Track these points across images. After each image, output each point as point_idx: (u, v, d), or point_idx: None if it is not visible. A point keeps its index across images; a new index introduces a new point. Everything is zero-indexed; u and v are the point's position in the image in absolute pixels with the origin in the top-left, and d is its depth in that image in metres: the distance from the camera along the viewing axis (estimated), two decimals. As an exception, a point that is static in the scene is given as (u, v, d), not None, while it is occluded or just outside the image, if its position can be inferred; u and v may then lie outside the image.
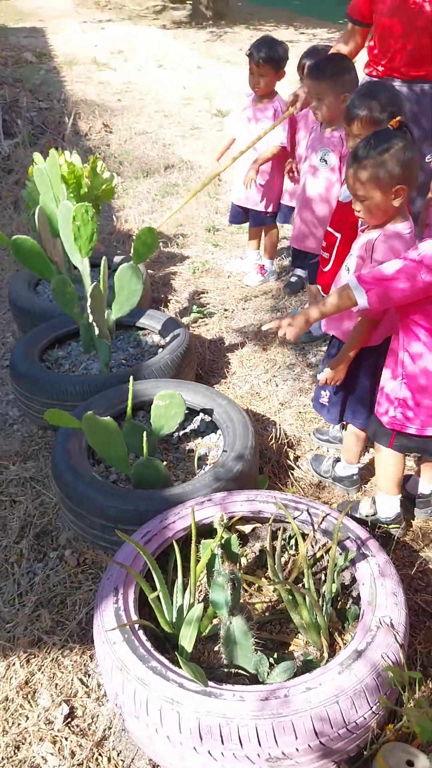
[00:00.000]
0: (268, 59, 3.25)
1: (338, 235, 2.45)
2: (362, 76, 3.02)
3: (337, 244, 2.45)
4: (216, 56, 9.31)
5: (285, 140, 3.37)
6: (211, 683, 1.49)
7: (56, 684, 1.77)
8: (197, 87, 7.80)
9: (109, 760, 1.60)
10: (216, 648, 1.74)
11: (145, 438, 2.15)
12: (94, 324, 2.56)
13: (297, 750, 1.41)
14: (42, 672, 1.79)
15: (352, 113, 2.24)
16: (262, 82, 3.33)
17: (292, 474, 2.51)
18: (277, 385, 3.01)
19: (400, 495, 2.23)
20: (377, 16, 2.90)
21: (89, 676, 1.79)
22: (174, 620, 1.70)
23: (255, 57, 3.28)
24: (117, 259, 3.46)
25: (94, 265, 3.12)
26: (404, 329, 1.96)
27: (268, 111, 3.39)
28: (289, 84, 6.88)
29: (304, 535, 1.90)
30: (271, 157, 3.39)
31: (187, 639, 1.64)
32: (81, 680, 1.78)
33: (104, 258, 2.69)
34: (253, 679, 1.62)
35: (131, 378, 2.30)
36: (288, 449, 2.62)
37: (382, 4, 2.85)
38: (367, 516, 2.27)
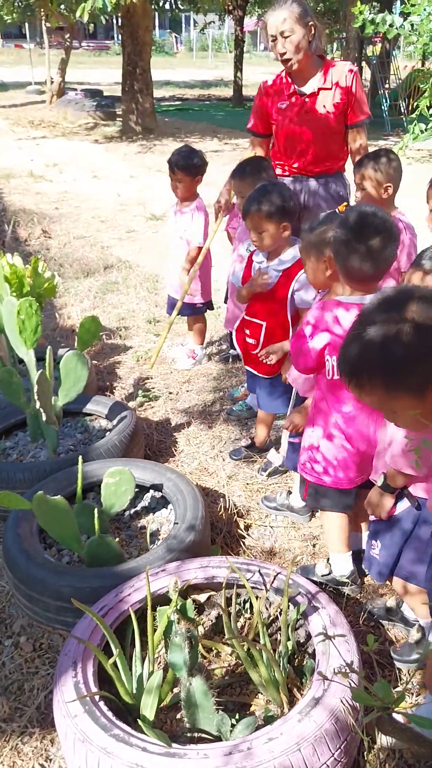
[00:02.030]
0: (182, 167, 3.59)
1: (263, 323, 2.74)
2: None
3: (263, 332, 2.75)
4: (147, 166, 9.96)
5: (202, 242, 3.69)
6: (174, 745, 1.49)
7: (16, 773, 1.72)
8: (131, 194, 8.29)
9: None
10: (178, 716, 1.74)
11: (96, 516, 2.19)
12: (42, 410, 2.64)
13: (264, 804, 1.42)
14: (1, 761, 1.74)
15: (246, 210, 2.62)
16: (180, 187, 3.66)
17: (244, 542, 2.58)
18: (224, 460, 3.11)
19: (350, 552, 2.32)
20: (281, 126, 3.30)
21: (50, 760, 1.75)
22: (134, 690, 1.71)
23: (171, 165, 3.63)
24: (61, 351, 3.58)
25: (39, 359, 3.23)
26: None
27: (191, 206, 3.70)
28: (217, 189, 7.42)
29: (258, 597, 1.96)
30: (195, 257, 3.68)
31: (149, 707, 1.65)
32: (42, 765, 1.73)
33: (49, 347, 2.81)
34: (217, 740, 1.62)
35: (80, 458, 2.37)
36: (238, 519, 2.69)
37: (285, 116, 3.26)
38: (323, 576, 2.33)
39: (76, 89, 16.51)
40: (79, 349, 2.79)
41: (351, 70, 3.19)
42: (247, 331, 2.82)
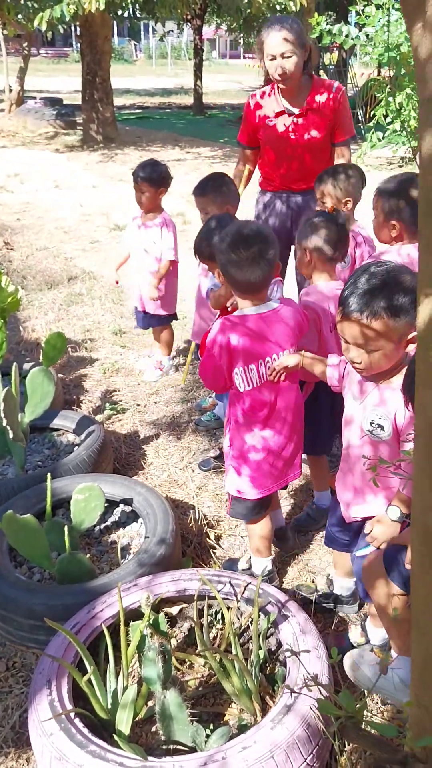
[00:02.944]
0: (145, 179, 3.62)
1: None
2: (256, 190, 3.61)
3: None
4: (109, 176, 9.95)
5: (174, 255, 3.71)
6: (150, 758, 1.52)
7: (-7, 794, 1.72)
8: (94, 204, 8.28)
9: None
10: (153, 729, 1.76)
11: (66, 533, 2.20)
12: (8, 428, 2.64)
13: None
14: (-23, 784, 1.74)
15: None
16: (144, 199, 3.69)
17: (215, 553, 2.61)
18: (193, 471, 3.14)
19: (271, 556, 2.41)
20: (268, 142, 3.40)
21: (27, 780, 1.76)
22: (109, 705, 1.73)
23: (135, 177, 3.67)
24: (27, 366, 3.57)
25: (5, 374, 3.23)
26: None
27: (157, 219, 3.73)
28: (181, 197, 7.46)
29: (229, 608, 1.99)
30: (165, 273, 3.72)
31: (124, 722, 1.67)
32: (18, 786, 1.74)
33: (14, 364, 2.80)
34: (192, 752, 1.65)
35: (48, 475, 2.38)
36: (208, 530, 2.73)
37: (273, 132, 3.35)
38: (243, 570, 2.44)
39: (35, 98, 16.38)
40: (45, 365, 2.79)
41: (338, 89, 3.27)
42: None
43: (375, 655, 1.95)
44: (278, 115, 3.35)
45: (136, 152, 11.70)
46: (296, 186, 3.44)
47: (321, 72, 17.03)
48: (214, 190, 3.01)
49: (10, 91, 16.31)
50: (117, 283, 4.18)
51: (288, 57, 3.11)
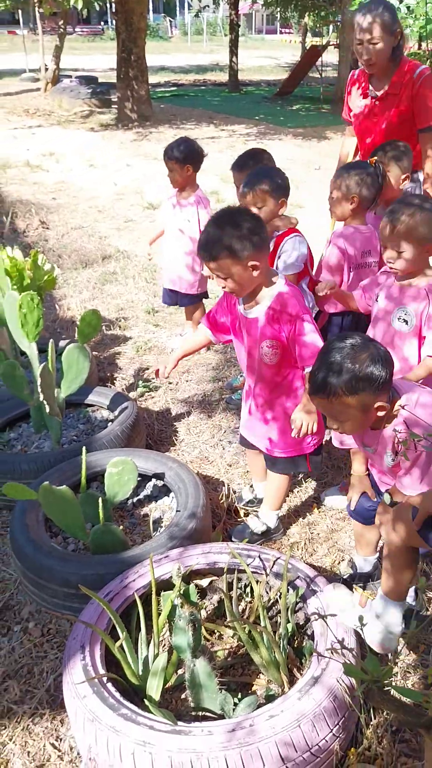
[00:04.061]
0: (173, 157, 3.60)
1: None
2: None
3: None
4: (143, 154, 9.93)
5: None
6: (180, 723, 1.56)
7: (28, 752, 1.79)
8: (128, 183, 8.29)
9: None
10: (182, 696, 1.81)
11: (100, 505, 2.25)
12: (45, 402, 2.70)
13: (266, 778, 1.49)
14: (13, 742, 1.81)
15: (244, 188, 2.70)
16: (176, 176, 3.68)
17: (244, 529, 2.64)
18: (223, 448, 3.17)
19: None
20: (355, 123, 3.40)
21: (61, 740, 1.82)
22: (140, 672, 1.78)
23: (164, 155, 3.66)
24: (62, 343, 3.62)
25: (41, 351, 3.28)
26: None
27: (191, 198, 3.71)
28: (215, 176, 7.42)
29: (258, 582, 2.02)
30: None
31: (155, 688, 1.72)
32: (53, 745, 1.81)
33: (51, 341, 2.85)
34: (221, 719, 1.69)
35: (84, 449, 2.43)
36: (238, 506, 2.76)
37: (358, 113, 3.34)
38: (250, 502, 2.75)
39: (71, 76, 16.38)
40: (80, 342, 2.83)
41: (421, 74, 3.17)
42: None
43: (359, 593, 1.97)
44: (364, 95, 3.31)
45: (170, 130, 11.64)
46: None
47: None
48: (257, 165, 2.98)
49: (46, 69, 16.34)
50: (150, 257, 4.20)
51: (375, 43, 3.07)
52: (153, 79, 16.50)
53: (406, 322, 2.29)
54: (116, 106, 13.39)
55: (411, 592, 2.14)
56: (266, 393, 2.37)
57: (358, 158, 3.60)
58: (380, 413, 1.76)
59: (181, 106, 14.92)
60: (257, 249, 2.09)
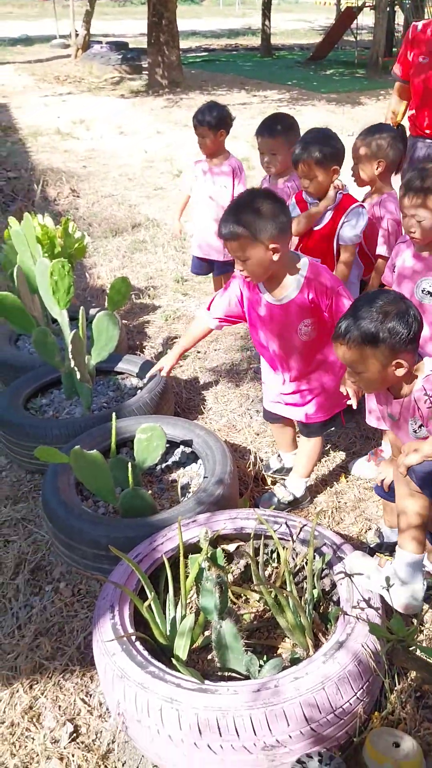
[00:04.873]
0: (202, 122, 3.52)
1: (318, 261, 2.72)
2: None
3: None
4: (174, 121, 9.81)
5: None
6: (206, 682, 1.60)
7: (59, 706, 1.85)
8: (158, 150, 8.22)
9: (114, 770, 1.68)
10: (209, 656, 1.85)
11: (130, 469, 2.28)
12: (76, 369, 2.72)
13: (290, 737, 1.52)
14: (45, 696, 1.88)
15: (296, 157, 2.61)
16: (207, 142, 3.60)
17: (271, 497, 2.65)
18: (251, 417, 3.18)
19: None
20: (417, 83, 3.20)
21: (90, 695, 1.88)
22: (168, 632, 1.81)
23: (194, 121, 3.58)
24: (93, 311, 3.64)
25: (72, 319, 3.30)
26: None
27: (224, 167, 3.64)
28: (246, 142, 7.31)
29: (284, 548, 2.04)
30: None
31: (182, 648, 1.76)
32: (83, 700, 1.86)
33: (82, 308, 2.87)
34: (246, 680, 1.72)
35: (113, 415, 2.45)
36: (265, 474, 2.77)
37: (423, 72, 3.15)
38: (278, 470, 2.75)
39: (101, 42, 16.18)
40: (110, 309, 2.85)
41: None
42: None
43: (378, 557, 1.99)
44: (431, 52, 3.13)
45: (201, 96, 11.46)
46: None
47: (395, 7, 16.12)
48: (286, 131, 2.92)
49: (77, 35, 16.16)
50: (180, 232, 4.14)
51: None
52: (184, 44, 16.22)
53: (430, 294, 2.25)
54: (147, 72, 13.22)
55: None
56: (305, 369, 2.37)
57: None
58: (398, 372, 1.75)
59: (212, 72, 14.66)
60: (279, 232, 2.05)
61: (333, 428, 2.75)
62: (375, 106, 10.59)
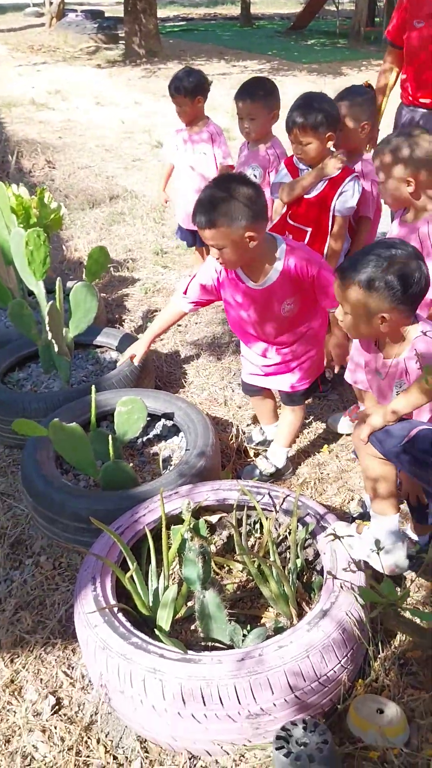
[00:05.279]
0: (179, 89, 3.43)
1: (308, 229, 2.69)
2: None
3: (308, 237, 2.69)
4: (152, 91, 9.62)
5: (229, 160, 3.52)
6: (190, 652, 1.58)
7: (41, 679, 1.83)
8: (136, 121, 8.05)
9: (98, 741, 1.67)
10: (192, 627, 1.83)
11: (110, 442, 2.25)
12: (53, 342, 2.67)
13: (274, 705, 1.51)
14: (26, 669, 1.85)
15: (290, 122, 2.52)
16: (186, 110, 3.51)
17: (254, 469, 2.64)
18: (233, 390, 3.15)
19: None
20: (411, 49, 3.09)
21: (73, 668, 1.86)
22: (151, 603, 1.80)
23: (170, 89, 3.48)
24: (70, 283, 3.57)
25: (49, 291, 3.23)
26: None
27: (203, 134, 3.56)
28: (226, 113, 7.18)
29: (267, 518, 2.02)
30: None
31: (164, 619, 1.74)
32: (65, 672, 1.85)
33: (58, 279, 2.80)
34: (230, 649, 1.71)
35: (93, 387, 2.41)
36: (248, 446, 2.75)
37: (419, 37, 3.04)
38: (260, 443, 2.71)
39: (76, 10, 15.78)
40: (88, 280, 2.78)
41: None
42: (289, 236, 2.70)
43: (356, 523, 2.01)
44: (428, 17, 3.00)
45: (179, 66, 11.09)
46: (431, 104, 3.15)
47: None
48: (266, 95, 2.84)
49: (50, 3, 15.71)
50: (166, 202, 4.06)
51: None
52: (161, 13, 15.86)
53: None
54: (123, 42, 12.92)
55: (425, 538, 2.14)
56: (288, 341, 2.34)
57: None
58: (382, 327, 1.75)
59: (190, 41, 14.39)
60: (254, 219, 1.99)
61: (313, 396, 2.73)
62: (357, 77, 10.45)
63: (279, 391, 2.53)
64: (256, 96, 2.86)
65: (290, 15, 19.02)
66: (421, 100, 3.19)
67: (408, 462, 1.72)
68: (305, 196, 2.66)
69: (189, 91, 3.43)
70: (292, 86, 9.21)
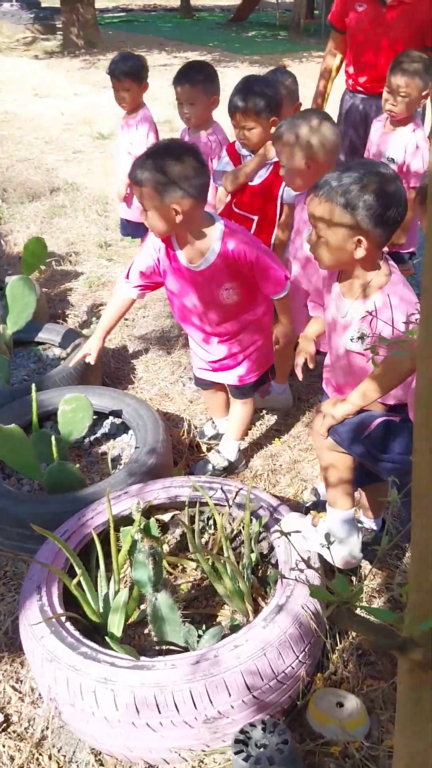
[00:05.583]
0: (128, 73, 3.30)
1: (255, 218, 2.62)
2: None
3: (254, 226, 2.62)
4: (92, 82, 9.42)
5: None
6: (142, 658, 1.52)
7: (-12, 695, 1.74)
8: (76, 113, 7.86)
9: (50, 757, 1.58)
10: (146, 631, 1.76)
11: (54, 443, 2.15)
12: (-9, 339, 2.55)
13: (232, 707, 1.46)
14: (-28, 686, 1.76)
15: (232, 106, 2.47)
16: (128, 97, 3.39)
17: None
18: (184, 385, 3.08)
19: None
20: (354, 32, 3.08)
21: (21, 681, 1.77)
22: (101, 609, 1.72)
23: (116, 74, 3.34)
24: (8, 279, 3.43)
25: (-14, 287, 3.10)
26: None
27: (137, 116, 3.45)
28: (168, 104, 7.07)
29: (221, 513, 1.97)
30: None
31: (116, 625, 1.67)
32: (13, 687, 1.75)
33: (-6, 274, 2.68)
34: (185, 652, 1.65)
35: (33, 386, 2.31)
36: (200, 441, 2.69)
37: (360, 21, 3.02)
38: (213, 437, 2.67)
39: (11, 0, 15.32)
40: (25, 273, 2.67)
41: None
42: None
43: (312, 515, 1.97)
44: (368, 0, 2.99)
45: (119, 58, 11.03)
46: (371, 88, 3.13)
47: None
48: (205, 80, 2.77)
49: (-17, -8, 15.23)
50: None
51: None
52: (99, 4, 15.55)
53: None
54: (61, 32, 12.62)
55: (378, 522, 2.12)
56: (233, 330, 2.27)
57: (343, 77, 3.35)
58: (357, 252, 1.66)
59: (130, 32, 14.17)
60: (188, 194, 1.92)
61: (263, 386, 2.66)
62: (298, 68, 10.40)
63: (228, 384, 2.48)
64: (195, 80, 2.79)
65: (230, 7, 18.93)
66: (362, 83, 3.18)
67: (359, 453, 1.69)
68: (249, 183, 2.60)
69: (137, 76, 3.31)
70: (234, 77, 9.13)
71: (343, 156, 3.41)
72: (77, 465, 2.39)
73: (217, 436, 2.68)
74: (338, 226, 1.64)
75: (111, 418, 2.57)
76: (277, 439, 2.73)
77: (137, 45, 12.47)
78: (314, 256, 1.77)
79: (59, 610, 1.64)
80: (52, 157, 6.31)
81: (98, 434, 2.57)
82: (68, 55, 11.63)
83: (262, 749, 1.37)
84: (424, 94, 2.75)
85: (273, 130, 2.50)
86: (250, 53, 11.86)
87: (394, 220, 1.65)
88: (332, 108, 3.47)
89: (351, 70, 3.24)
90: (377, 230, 1.64)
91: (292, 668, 1.54)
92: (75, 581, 1.64)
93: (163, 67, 10.02)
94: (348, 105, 3.35)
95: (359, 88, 3.25)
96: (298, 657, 1.55)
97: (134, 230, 3.74)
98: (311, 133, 2.14)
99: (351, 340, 1.78)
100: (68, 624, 1.61)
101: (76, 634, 1.58)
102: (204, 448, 2.69)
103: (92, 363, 2.33)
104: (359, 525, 2.12)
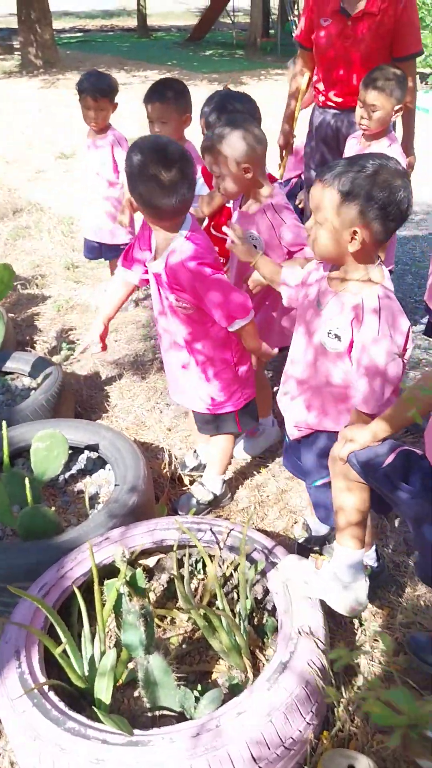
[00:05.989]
0: (104, 91, 3.23)
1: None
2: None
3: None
4: (53, 102, 9.28)
5: None
6: (136, 731, 1.36)
7: (-39, 775, 1.56)
8: (37, 132, 7.71)
9: None
10: (136, 693, 1.61)
11: (27, 484, 1.99)
12: None
13: (237, 782, 1.32)
14: None
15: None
16: (101, 117, 3.29)
17: (189, 498, 2.44)
18: (161, 412, 2.94)
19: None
20: (321, 47, 3.01)
21: (0, 755, 1.60)
22: (86, 673, 1.56)
23: (90, 91, 3.25)
24: (-27, 306, 3.26)
25: None
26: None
27: (108, 137, 3.36)
28: (134, 122, 6.97)
29: (211, 557, 1.83)
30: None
31: (104, 691, 1.51)
32: (-10, 764, 1.58)
33: (-42, 302, 2.52)
34: (181, 717, 1.51)
35: (3, 423, 2.14)
36: (182, 473, 2.55)
37: (325, 35, 2.95)
38: (195, 468, 2.54)
39: (-34, 19, 15.13)
40: (-7, 301, 2.51)
41: None
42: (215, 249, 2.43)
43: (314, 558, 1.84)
44: (332, 14, 2.92)
45: (78, 77, 10.93)
46: (343, 102, 3.07)
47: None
48: (176, 97, 2.67)
49: None
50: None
51: None
52: (57, 24, 15.42)
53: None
54: (19, 53, 12.46)
55: (372, 553, 2.01)
56: (192, 340, 2.10)
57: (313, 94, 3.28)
58: (351, 245, 1.60)
59: (88, 53, 14.08)
60: (162, 212, 1.88)
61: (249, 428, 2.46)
62: (257, 86, 10.51)
63: (194, 413, 2.32)
64: (166, 97, 2.68)
65: (187, 27, 19.03)
66: (333, 98, 3.12)
67: (377, 478, 1.56)
68: (226, 205, 2.50)
69: (110, 94, 3.24)
70: (195, 95, 9.12)
71: (314, 171, 3.35)
72: (52, 506, 2.23)
73: (199, 467, 2.55)
74: (336, 215, 1.59)
75: (87, 452, 2.41)
76: (262, 467, 2.61)
77: (96, 64, 12.38)
78: (310, 245, 1.73)
79: (41, 678, 1.48)
80: (13, 177, 6.14)
81: (73, 470, 2.40)
82: (27, 74, 11.49)
83: None
84: (396, 109, 2.71)
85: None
86: (209, 71, 11.87)
87: (395, 217, 1.58)
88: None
89: (321, 86, 3.18)
90: (375, 224, 1.57)
91: (300, 732, 1.41)
92: (59, 650, 1.47)
93: (123, 86, 9.89)
94: (318, 121, 3.28)
95: (330, 103, 3.19)
96: (305, 720, 1.42)
97: (106, 252, 3.62)
98: (223, 142, 2.12)
99: (328, 334, 1.70)
100: (51, 693, 1.45)
101: (61, 705, 1.42)
102: (186, 480, 2.55)
103: (103, 351, 2.31)
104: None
